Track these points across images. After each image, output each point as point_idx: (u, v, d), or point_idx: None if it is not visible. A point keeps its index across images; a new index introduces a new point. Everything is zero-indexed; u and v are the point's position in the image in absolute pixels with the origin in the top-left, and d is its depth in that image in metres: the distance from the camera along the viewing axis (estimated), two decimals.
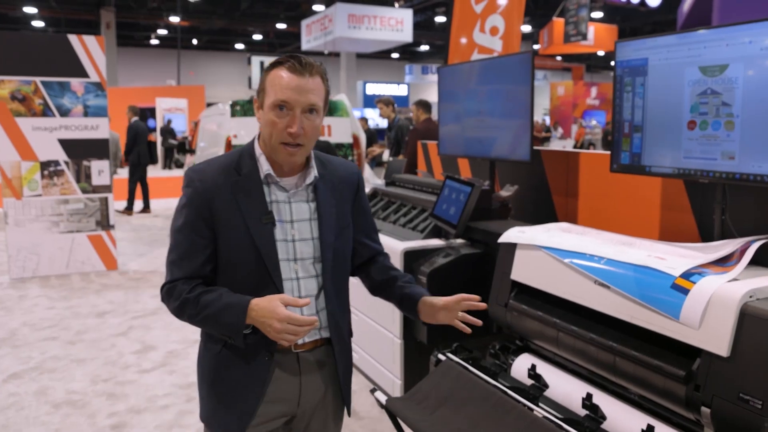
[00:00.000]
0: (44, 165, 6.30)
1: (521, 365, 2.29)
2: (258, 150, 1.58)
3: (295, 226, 1.58)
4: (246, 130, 6.89)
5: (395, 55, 31.46)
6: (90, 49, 6.35)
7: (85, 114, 6.40)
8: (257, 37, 27.56)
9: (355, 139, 7.20)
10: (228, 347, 1.56)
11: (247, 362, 1.55)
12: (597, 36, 16.94)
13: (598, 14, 18.41)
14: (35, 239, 6.32)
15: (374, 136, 12.23)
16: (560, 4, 15.57)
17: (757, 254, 1.88)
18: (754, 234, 2.09)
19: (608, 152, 2.65)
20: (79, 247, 6.51)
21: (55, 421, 3.31)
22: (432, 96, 7.31)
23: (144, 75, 27.33)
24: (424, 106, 6.36)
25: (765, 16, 1.91)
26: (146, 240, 8.23)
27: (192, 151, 9.20)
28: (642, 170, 2.36)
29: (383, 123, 14.84)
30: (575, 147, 18.42)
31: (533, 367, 2.22)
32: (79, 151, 6.42)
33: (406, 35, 16.07)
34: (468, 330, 1.63)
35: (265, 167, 1.56)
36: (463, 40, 5.95)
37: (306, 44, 17.77)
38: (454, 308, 1.61)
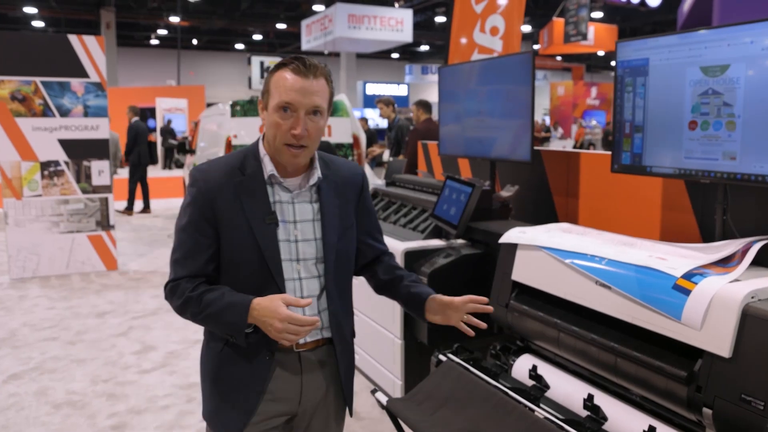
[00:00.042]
0: (44, 165, 6.30)
1: (522, 366, 2.29)
2: (262, 150, 1.59)
3: (298, 227, 1.58)
4: (246, 131, 6.88)
5: (395, 55, 31.46)
6: (90, 49, 6.35)
7: (85, 114, 6.39)
8: (257, 37, 27.56)
9: (355, 139, 7.19)
10: (230, 346, 1.57)
11: (249, 361, 1.56)
12: (597, 36, 16.93)
13: (598, 14, 18.40)
14: (35, 239, 6.31)
15: (374, 136, 12.23)
16: (560, 4, 15.57)
17: (758, 255, 1.87)
18: (755, 234, 2.09)
19: (608, 152, 2.65)
20: (79, 247, 6.50)
21: (56, 422, 3.30)
22: (432, 96, 7.30)
23: (144, 75, 27.32)
24: (425, 106, 6.36)
25: (766, 16, 1.91)
26: (146, 240, 8.23)
27: (192, 152, 9.20)
28: (643, 170, 2.36)
29: (383, 123, 14.84)
30: (575, 147, 18.42)
31: (534, 367, 2.22)
32: (80, 151, 6.42)
33: (406, 35, 16.07)
34: (471, 333, 1.63)
35: (269, 168, 1.56)
36: (464, 40, 5.95)
37: (306, 44, 17.77)
38: (460, 309, 1.61)
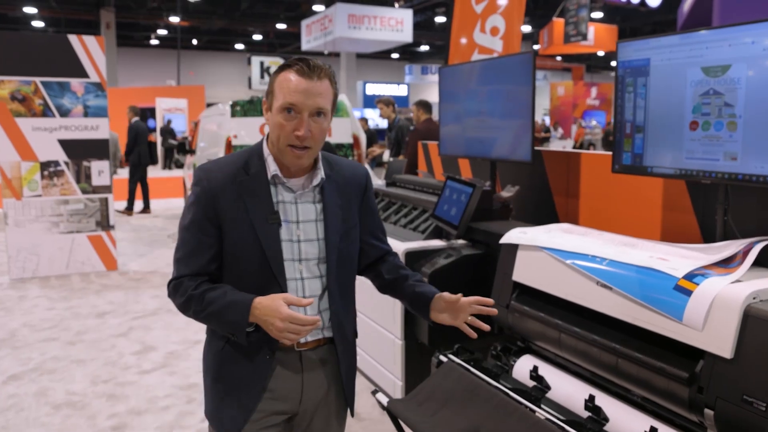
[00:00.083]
0: (44, 165, 6.29)
1: (523, 367, 2.29)
2: (266, 151, 1.60)
3: (301, 227, 1.59)
4: (246, 131, 6.88)
5: (395, 56, 31.46)
6: (90, 50, 6.34)
7: (85, 114, 6.39)
8: (257, 37, 27.55)
9: (356, 139, 7.19)
10: (231, 344, 1.58)
11: (250, 359, 1.57)
12: (597, 36, 16.93)
13: (598, 14, 18.40)
14: (35, 240, 6.31)
15: (374, 136, 12.22)
16: (560, 5, 15.57)
17: (760, 255, 1.87)
18: (756, 235, 2.09)
19: (609, 152, 2.64)
20: (79, 247, 6.50)
21: (56, 423, 3.30)
22: (432, 96, 7.30)
23: (144, 75, 27.32)
24: (425, 106, 6.35)
25: (767, 17, 1.90)
26: (146, 240, 8.22)
27: (192, 152, 9.20)
28: (644, 171, 2.36)
29: (383, 123, 14.83)
30: (574, 147, 18.42)
31: (535, 368, 2.21)
32: (79, 151, 6.41)
33: (406, 35, 16.07)
34: (474, 335, 1.64)
35: (272, 168, 1.57)
36: (464, 41, 5.94)
37: (306, 44, 17.77)
38: (465, 309, 1.61)
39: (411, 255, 3.10)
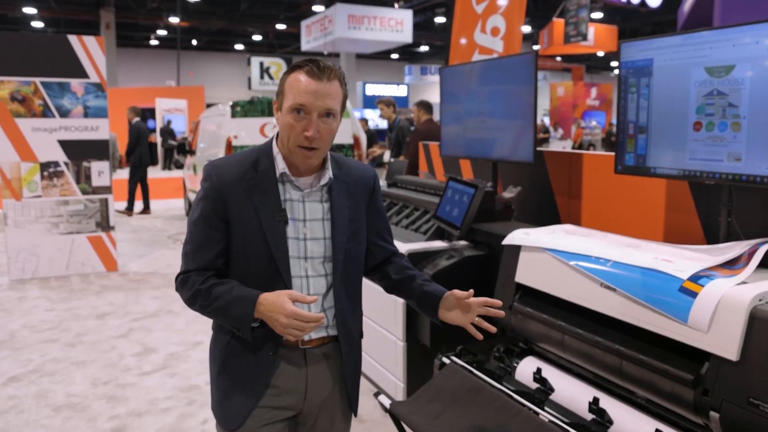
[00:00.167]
0: (44, 166, 6.28)
1: (526, 368, 2.28)
2: (275, 149, 1.61)
3: (308, 225, 1.60)
4: (246, 131, 6.87)
5: (395, 56, 31.46)
6: (90, 50, 6.33)
7: (85, 115, 6.38)
8: (257, 37, 27.54)
9: (356, 139, 7.18)
10: (236, 339, 1.60)
11: (254, 354, 1.59)
12: (597, 37, 16.93)
13: (598, 15, 18.40)
14: (35, 240, 6.30)
15: (374, 136, 12.21)
16: (560, 5, 15.57)
17: (765, 257, 1.86)
18: (760, 236, 2.08)
19: (611, 153, 2.63)
20: (78, 248, 6.49)
21: (56, 425, 3.29)
22: (432, 97, 7.29)
23: (143, 75, 27.31)
24: (426, 106, 6.34)
25: None
26: (146, 241, 8.21)
27: (192, 152, 9.19)
28: (647, 172, 2.35)
29: (383, 124, 14.82)
30: (573, 148, 18.40)
31: (539, 370, 2.20)
32: (79, 152, 6.40)
33: (406, 36, 16.07)
34: (479, 336, 1.64)
35: (281, 166, 1.59)
36: (464, 41, 5.93)
37: (306, 45, 17.75)
38: (473, 309, 1.62)
39: (413, 256, 3.09)
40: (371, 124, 15.32)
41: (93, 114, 6.40)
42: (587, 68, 31.30)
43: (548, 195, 3.38)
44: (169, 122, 19.11)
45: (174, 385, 3.77)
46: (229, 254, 1.59)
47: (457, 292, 1.64)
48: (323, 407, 1.68)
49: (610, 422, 1.88)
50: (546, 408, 1.95)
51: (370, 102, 22.25)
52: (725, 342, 1.60)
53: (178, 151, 18.23)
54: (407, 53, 30.87)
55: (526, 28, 20.84)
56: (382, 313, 3.31)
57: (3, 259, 6.75)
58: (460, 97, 3.61)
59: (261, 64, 20.31)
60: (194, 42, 28.65)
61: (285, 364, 1.61)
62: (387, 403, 2.14)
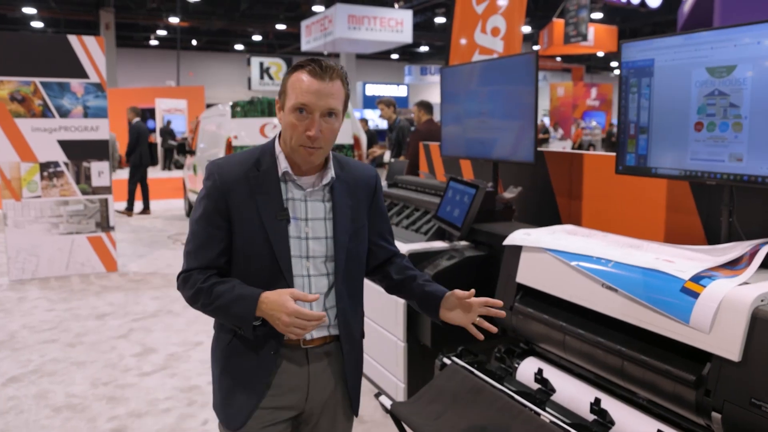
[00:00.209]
0: (44, 166, 6.27)
1: (527, 369, 2.27)
2: (278, 148, 1.62)
3: (310, 225, 1.60)
4: (246, 131, 6.87)
5: (395, 56, 31.46)
6: (90, 50, 6.33)
7: (85, 115, 6.37)
8: (257, 37, 27.54)
9: (356, 140, 7.18)
10: (238, 338, 1.60)
11: (256, 353, 1.59)
12: (597, 37, 16.93)
13: (598, 15, 18.40)
14: (34, 241, 6.29)
15: (374, 137, 12.22)
16: (560, 5, 15.57)
17: (767, 257, 1.86)
18: (761, 236, 2.07)
19: (612, 153, 2.63)
20: (78, 248, 6.48)
21: (56, 425, 3.28)
22: (431, 97, 7.28)
23: (143, 76, 27.31)
24: (426, 107, 6.34)
25: None
26: (146, 241, 8.21)
27: (192, 152, 9.18)
28: (648, 172, 2.34)
29: (383, 124, 14.82)
30: (573, 148, 18.40)
31: (540, 371, 2.20)
32: (79, 152, 6.40)
33: (406, 36, 16.07)
34: (480, 336, 1.64)
35: (283, 165, 1.59)
36: (464, 41, 5.93)
37: (306, 45, 17.75)
38: (475, 309, 1.61)
39: (413, 256, 3.08)
40: (371, 125, 15.33)
41: (93, 114, 6.40)
42: (587, 68, 31.31)
43: (549, 195, 3.38)
44: (168, 122, 19.11)
45: (174, 385, 3.77)
46: (231, 253, 1.59)
47: (458, 292, 1.63)
48: (325, 407, 1.68)
49: (612, 423, 1.88)
50: (547, 409, 1.95)
51: (370, 102, 22.26)
52: (727, 342, 1.59)
53: (178, 151, 18.23)
54: (407, 53, 30.87)
55: (526, 29, 20.84)
56: (383, 314, 3.30)
57: (3, 259, 6.75)
58: (460, 98, 3.61)
59: (261, 64, 20.32)
60: (194, 42, 28.65)
61: (287, 363, 1.61)
62: (388, 403, 2.14)
